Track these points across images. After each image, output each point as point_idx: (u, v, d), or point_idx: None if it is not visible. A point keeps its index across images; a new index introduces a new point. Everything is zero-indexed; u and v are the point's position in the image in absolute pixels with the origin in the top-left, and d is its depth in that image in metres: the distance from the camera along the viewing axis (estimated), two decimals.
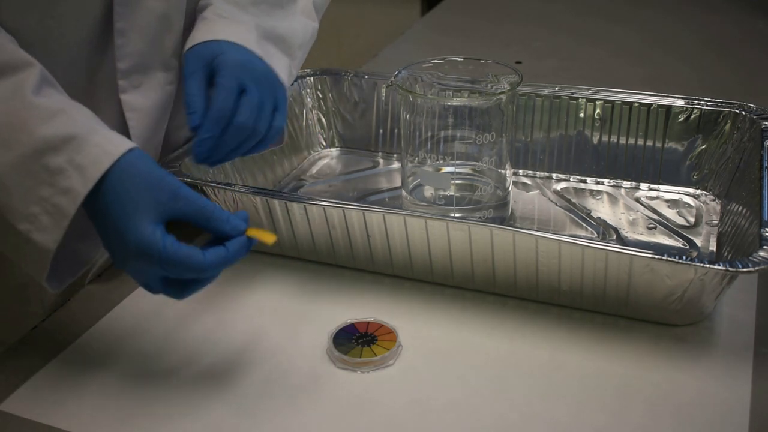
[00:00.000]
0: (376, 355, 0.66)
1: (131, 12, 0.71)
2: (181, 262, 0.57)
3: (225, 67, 0.69)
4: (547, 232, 0.67)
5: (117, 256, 0.60)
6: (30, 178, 0.58)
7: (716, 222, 0.81)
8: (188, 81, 0.69)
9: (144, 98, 0.75)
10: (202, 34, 0.72)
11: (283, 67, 0.77)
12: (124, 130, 0.74)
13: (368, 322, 0.69)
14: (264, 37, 0.76)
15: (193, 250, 0.57)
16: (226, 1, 0.76)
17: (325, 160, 0.98)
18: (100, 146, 0.58)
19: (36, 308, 0.78)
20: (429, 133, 0.79)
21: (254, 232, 0.61)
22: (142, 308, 0.73)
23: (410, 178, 0.82)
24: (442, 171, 0.80)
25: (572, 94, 0.90)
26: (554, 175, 0.91)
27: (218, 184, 0.77)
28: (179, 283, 0.60)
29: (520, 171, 0.92)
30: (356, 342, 0.67)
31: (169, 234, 0.57)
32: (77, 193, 0.57)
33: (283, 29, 0.79)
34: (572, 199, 0.87)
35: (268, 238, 0.62)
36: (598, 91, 0.90)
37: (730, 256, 0.71)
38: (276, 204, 0.74)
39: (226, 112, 0.67)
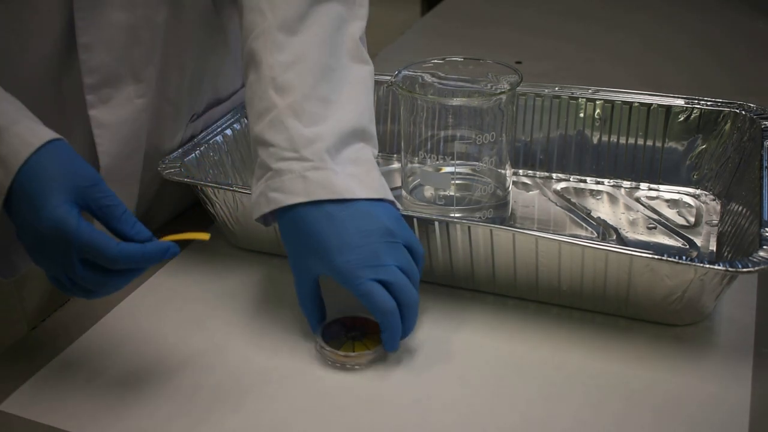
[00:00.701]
0: (369, 349, 0.65)
1: (94, 26, 0.69)
2: (94, 245, 0.56)
3: (344, 272, 0.63)
4: (547, 232, 0.67)
5: (30, 241, 0.59)
6: None
7: (716, 222, 0.81)
8: (304, 306, 0.68)
9: (112, 114, 0.73)
10: (279, 196, 0.65)
11: (376, 176, 0.68)
12: (94, 148, 0.73)
13: (355, 317, 0.68)
14: (344, 143, 0.67)
15: (107, 238, 0.57)
16: (304, 95, 0.67)
17: None
18: (20, 137, 0.58)
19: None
20: (429, 133, 0.79)
21: (183, 236, 0.61)
22: (142, 308, 0.73)
23: (410, 178, 0.82)
24: (442, 171, 0.80)
25: (572, 94, 0.90)
26: (554, 175, 0.91)
27: (218, 184, 0.77)
28: (93, 279, 0.59)
29: (520, 171, 0.92)
30: (346, 337, 0.67)
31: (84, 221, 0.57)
32: (1, 185, 0.57)
33: (355, 112, 0.69)
34: (572, 199, 0.87)
35: (202, 236, 0.62)
36: (598, 91, 0.90)
37: (730, 256, 0.71)
38: None
39: (395, 317, 0.63)
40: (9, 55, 0.66)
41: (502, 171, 0.80)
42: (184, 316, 0.72)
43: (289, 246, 0.67)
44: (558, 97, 0.90)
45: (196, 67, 0.82)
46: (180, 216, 0.89)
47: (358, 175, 0.66)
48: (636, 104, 0.88)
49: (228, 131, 0.87)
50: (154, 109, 0.77)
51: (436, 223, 0.70)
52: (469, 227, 0.69)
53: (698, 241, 0.79)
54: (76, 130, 0.70)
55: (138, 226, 0.60)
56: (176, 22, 0.76)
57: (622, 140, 0.89)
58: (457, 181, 0.80)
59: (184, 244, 0.82)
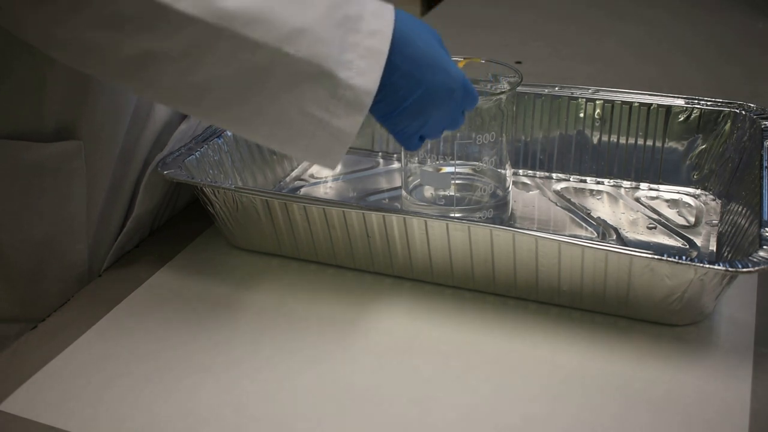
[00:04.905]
0: None
1: None
2: (474, 93, 0.68)
3: None
4: (547, 232, 0.67)
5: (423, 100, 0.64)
6: (337, 27, 0.59)
7: (716, 222, 0.81)
8: None
9: None
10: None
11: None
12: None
13: None
14: None
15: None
16: None
17: None
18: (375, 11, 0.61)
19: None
20: None
21: None
22: (142, 308, 0.73)
23: (410, 178, 0.82)
24: (442, 171, 0.80)
25: (572, 94, 0.90)
26: (554, 175, 0.92)
27: (218, 184, 0.77)
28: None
29: (520, 171, 0.92)
30: None
31: None
32: (385, 33, 0.60)
33: None
34: (572, 199, 0.87)
35: None
36: (598, 91, 0.90)
37: (730, 256, 0.71)
38: (276, 204, 0.75)
39: None
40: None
41: (502, 171, 0.80)
42: (184, 316, 0.72)
43: None
44: (558, 97, 0.90)
45: None
46: (179, 214, 0.89)
47: None
48: (636, 104, 0.88)
49: (228, 131, 0.87)
50: None
51: (436, 223, 0.70)
52: (469, 227, 0.69)
53: (698, 241, 0.79)
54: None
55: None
56: None
57: (622, 140, 0.89)
58: (457, 181, 0.80)
59: (184, 244, 0.82)
